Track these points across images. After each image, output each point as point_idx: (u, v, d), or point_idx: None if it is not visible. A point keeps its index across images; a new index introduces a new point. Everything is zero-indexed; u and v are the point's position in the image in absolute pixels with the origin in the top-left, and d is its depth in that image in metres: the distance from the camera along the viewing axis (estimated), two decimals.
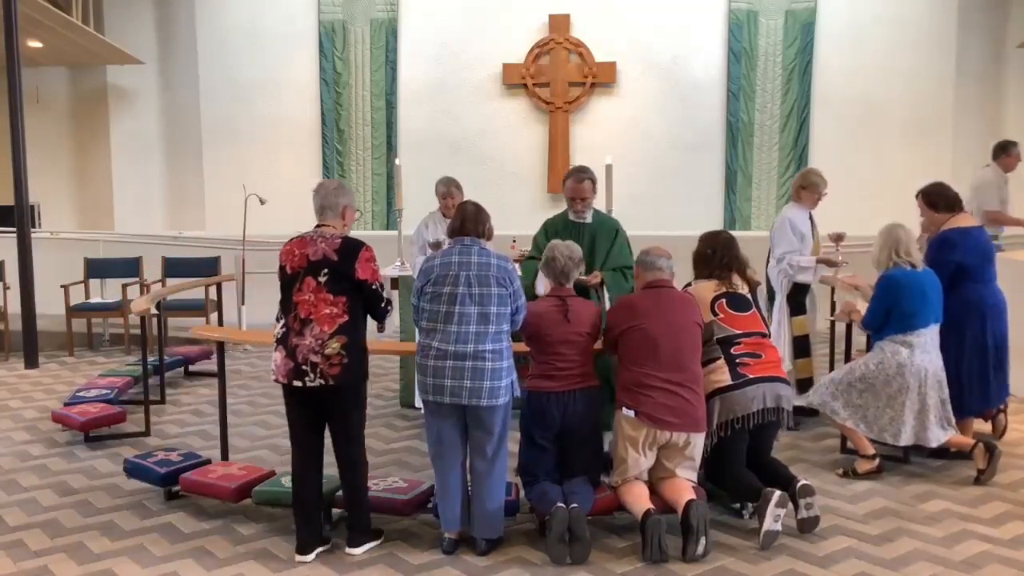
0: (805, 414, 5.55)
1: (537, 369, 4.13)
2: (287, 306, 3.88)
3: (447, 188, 6.04)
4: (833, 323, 5.79)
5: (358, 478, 3.96)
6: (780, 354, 5.42)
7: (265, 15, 11.36)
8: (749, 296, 4.42)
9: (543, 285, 4.43)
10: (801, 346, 5.71)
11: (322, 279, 3.80)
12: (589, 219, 5.08)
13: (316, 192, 4.00)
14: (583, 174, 5.03)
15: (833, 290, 5.82)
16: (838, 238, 5.61)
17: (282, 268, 3.91)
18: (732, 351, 4.25)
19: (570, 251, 4.22)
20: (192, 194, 11.54)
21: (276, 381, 3.92)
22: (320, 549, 3.93)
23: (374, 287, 3.87)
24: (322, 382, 3.76)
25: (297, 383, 3.80)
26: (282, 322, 3.89)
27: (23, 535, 4.18)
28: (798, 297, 5.68)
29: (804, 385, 5.56)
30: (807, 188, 5.67)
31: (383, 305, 3.94)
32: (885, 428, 4.76)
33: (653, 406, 3.98)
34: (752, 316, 4.37)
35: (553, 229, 5.08)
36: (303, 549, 3.90)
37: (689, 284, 4.51)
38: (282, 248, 3.95)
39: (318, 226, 3.95)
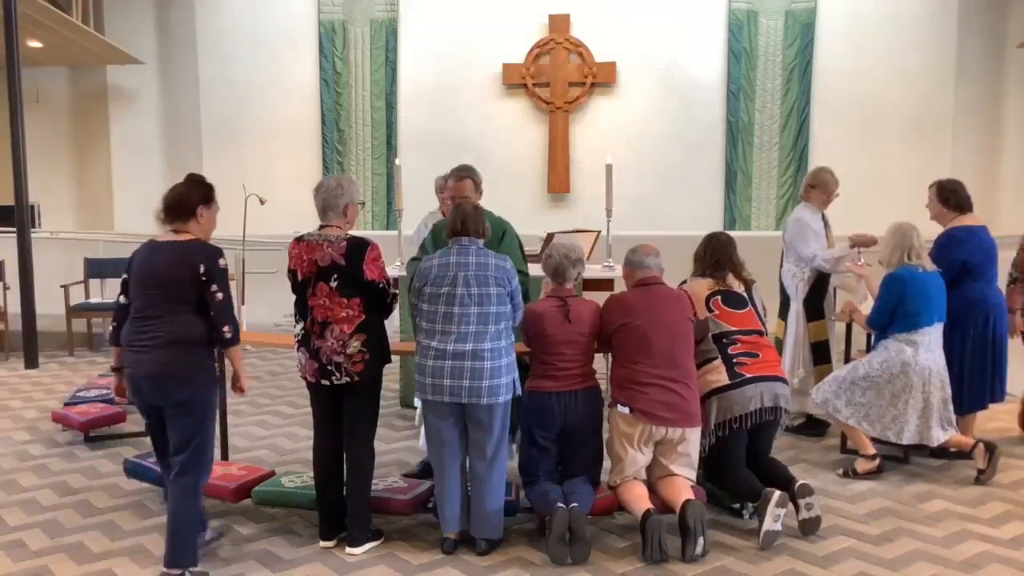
0: (825, 425, 5.52)
1: (538, 369, 4.13)
2: (303, 309, 3.95)
3: (446, 183, 5.97)
4: (833, 323, 5.77)
5: (367, 470, 4.01)
6: (786, 358, 5.43)
7: (265, 15, 11.37)
8: (745, 294, 4.43)
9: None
10: (820, 352, 5.53)
11: (333, 284, 3.85)
12: None
13: (317, 193, 4.00)
14: (463, 172, 4.86)
15: (834, 290, 5.79)
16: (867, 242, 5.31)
17: (293, 273, 3.96)
18: (729, 351, 4.26)
19: (567, 250, 4.21)
20: None
21: (304, 379, 4.04)
22: (341, 535, 4.01)
23: (381, 285, 3.92)
24: (348, 380, 3.88)
25: (325, 382, 3.90)
26: (300, 324, 3.96)
27: (23, 535, 4.18)
28: (815, 302, 5.51)
29: None
30: (817, 187, 5.51)
31: (388, 300, 3.99)
32: (888, 427, 4.76)
33: (647, 402, 3.99)
34: (748, 313, 4.38)
35: (440, 231, 4.95)
36: (327, 535, 4.01)
37: (684, 281, 4.53)
38: (289, 249, 3.98)
39: (322, 227, 3.97)
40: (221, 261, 3.60)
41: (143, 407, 3.72)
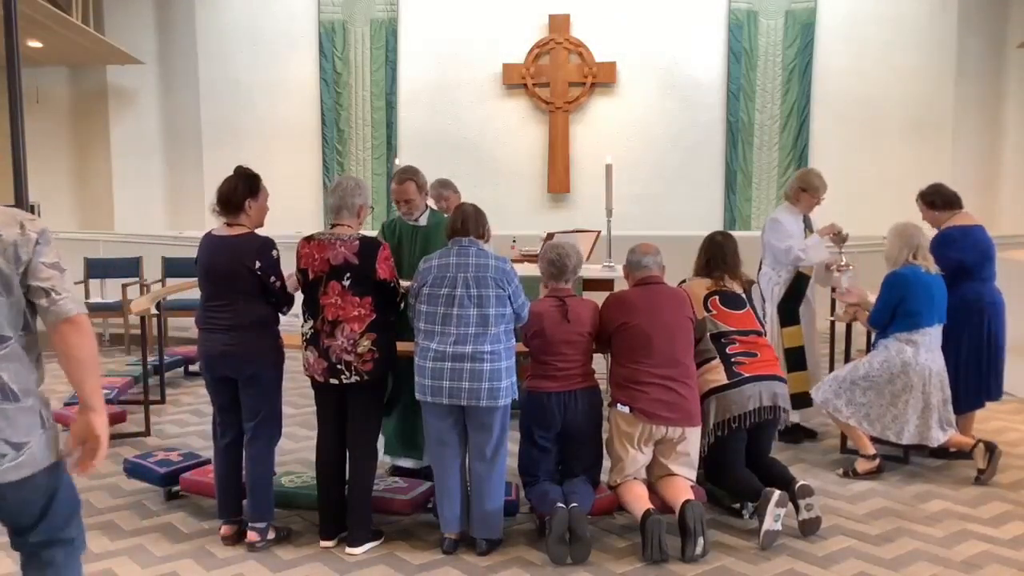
0: (804, 434, 5.48)
1: (537, 369, 4.13)
2: (313, 308, 3.96)
3: (437, 191, 5.93)
4: (833, 323, 5.76)
5: (370, 470, 4.02)
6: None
7: (265, 15, 11.36)
8: (743, 295, 4.43)
9: None
10: (794, 359, 5.35)
11: (346, 283, 3.86)
12: (423, 222, 4.84)
13: (333, 192, 4.03)
14: (405, 175, 4.77)
15: (833, 290, 5.78)
16: (842, 239, 5.38)
17: (303, 272, 3.97)
18: (728, 351, 4.25)
19: (567, 250, 4.21)
20: (192, 194, 11.52)
21: (311, 378, 4.03)
22: (341, 535, 4.01)
23: (392, 284, 3.95)
24: (358, 379, 3.89)
25: (333, 380, 3.91)
26: (309, 323, 3.97)
27: None
28: (790, 305, 5.39)
29: (798, 401, 5.19)
30: (807, 191, 5.40)
31: (398, 299, 4.02)
32: (888, 427, 4.76)
33: (648, 402, 3.99)
34: (747, 314, 4.38)
35: (391, 231, 4.90)
36: (327, 534, 4.01)
37: (683, 281, 4.53)
38: (299, 248, 3.99)
39: (333, 225, 4.00)
40: (274, 252, 3.93)
41: (213, 381, 4.03)
